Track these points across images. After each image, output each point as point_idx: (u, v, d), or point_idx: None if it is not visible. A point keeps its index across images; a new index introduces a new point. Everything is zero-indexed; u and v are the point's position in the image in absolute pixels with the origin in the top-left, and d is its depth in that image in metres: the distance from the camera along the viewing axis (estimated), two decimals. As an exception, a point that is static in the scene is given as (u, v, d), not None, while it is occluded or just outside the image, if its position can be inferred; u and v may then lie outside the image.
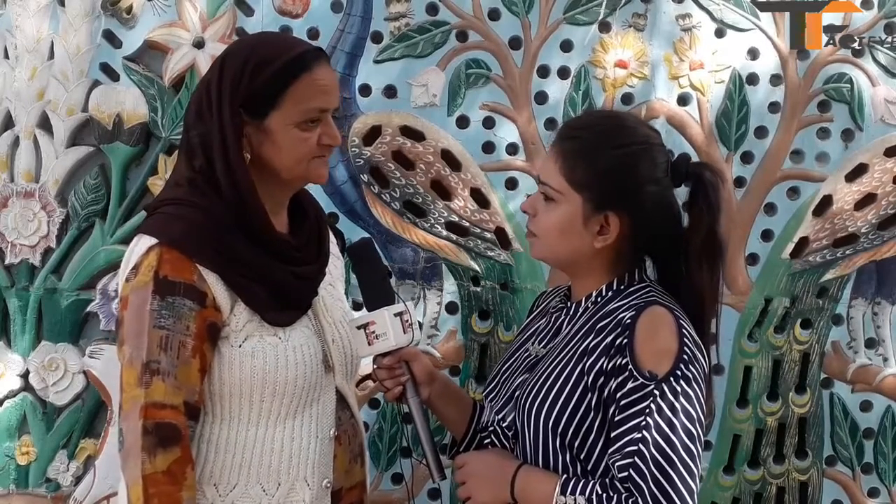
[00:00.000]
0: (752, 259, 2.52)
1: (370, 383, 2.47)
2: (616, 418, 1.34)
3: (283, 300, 1.50)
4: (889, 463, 2.57)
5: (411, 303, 1.58)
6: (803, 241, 2.50)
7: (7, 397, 2.49)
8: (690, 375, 1.34)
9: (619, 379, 1.35)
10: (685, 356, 1.34)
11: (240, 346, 1.46)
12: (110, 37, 2.44)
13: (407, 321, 1.55)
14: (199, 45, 2.41)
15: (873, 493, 2.58)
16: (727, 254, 1.47)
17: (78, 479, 2.48)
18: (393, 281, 2.48)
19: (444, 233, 2.47)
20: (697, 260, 1.43)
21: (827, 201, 2.49)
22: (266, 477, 1.49)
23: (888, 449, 2.57)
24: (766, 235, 2.51)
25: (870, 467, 2.58)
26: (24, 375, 2.49)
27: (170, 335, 1.39)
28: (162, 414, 1.38)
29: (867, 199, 2.49)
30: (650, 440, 1.31)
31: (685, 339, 1.36)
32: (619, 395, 1.34)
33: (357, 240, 1.65)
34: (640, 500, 1.30)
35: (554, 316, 1.55)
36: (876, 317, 2.54)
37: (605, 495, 1.33)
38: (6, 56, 2.45)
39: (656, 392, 1.32)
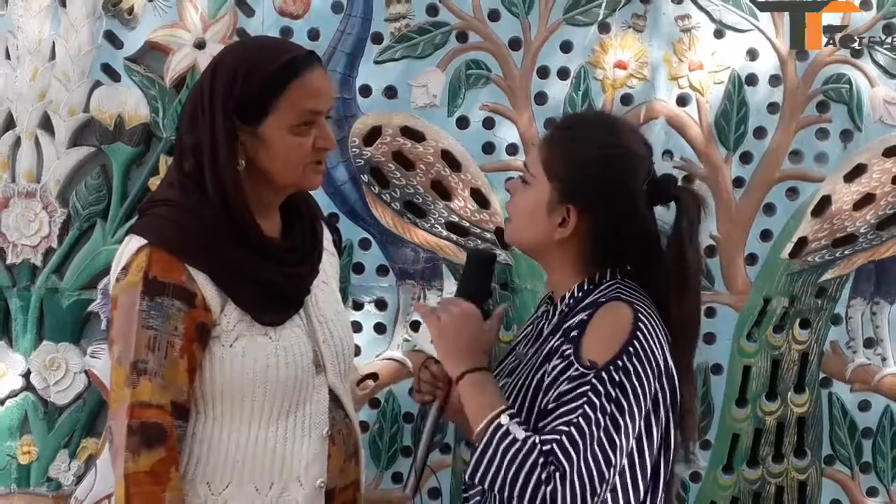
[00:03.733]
0: (752, 259, 2.52)
1: (370, 383, 2.50)
2: (551, 404, 1.34)
3: (274, 300, 1.50)
4: (887, 462, 2.58)
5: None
6: (802, 241, 2.51)
7: (8, 397, 2.50)
8: (631, 368, 1.32)
9: (561, 365, 1.35)
10: (631, 349, 1.33)
11: (231, 346, 1.47)
12: (111, 37, 2.45)
13: None
14: (200, 45, 2.42)
15: (872, 492, 2.58)
16: (696, 284, 1.45)
17: (79, 479, 2.49)
18: (393, 281, 2.49)
19: (445, 233, 2.48)
20: (665, 286, 1.42)
21: (826, 201, 2.50)
22: (259, 476, 1.49)
23: (887, 448, 2.57)
24: (766, 235, 2.52)
25: (868, 466, 2.58)
26: (26, 375, 2.50)
27: (158, 335, 1.40)
28: (148, 414, 1.38)
29: (866, 200, 2.49)
30: (584, 427, 1.30)
31: (638, 334, 1.34)
32: (557, 378, 1.34)
33: (485, 250, 1.63)
34: (558, 476, 1.29)
35: (538, 320, 1.56)
36: (874, 316, 2.54)
37: (538, 448, 1.31)
38: (8, 57, 2.46)
39: (594, 380, 1.31)
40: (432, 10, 2.44)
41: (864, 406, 2.56)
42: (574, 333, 1.36)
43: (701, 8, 2.45)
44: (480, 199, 2.48)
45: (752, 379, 2.54)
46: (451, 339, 1.46)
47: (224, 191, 1.45)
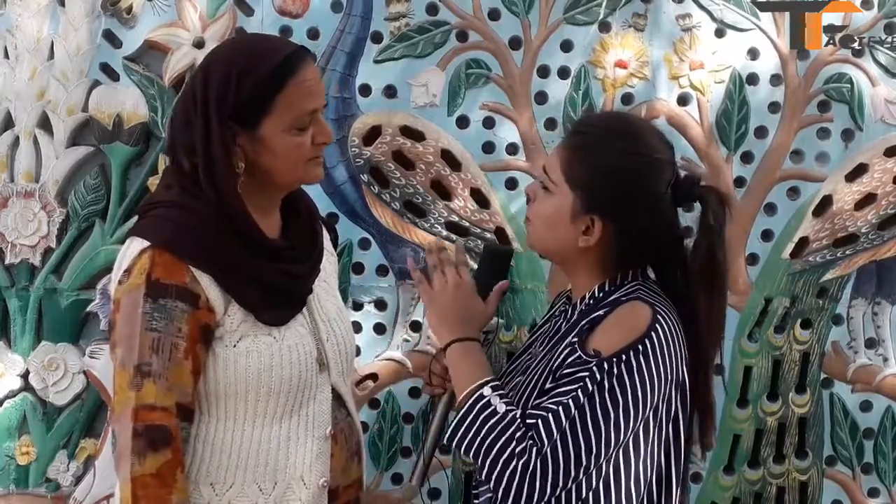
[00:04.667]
0: (752, 259, 2.52)
1: (370, 383, 2.49)
2: (548, 385, 1.35)
3: (277, 299, 1.50)
4: (889, 463, 2.57)
5: (503, 322, 1.59)
6: (803, 241, 2.50)
7: (7, 397, 2.50)
8: (635, 365, 1.32)
9: (564, 353, 1.36)
10: (640, 346, 1.33)
11: (234, 347, 1.46)
12: (110, 37, 2.44)
13: (490, 340, 1.55)
14: (199, 45, 2.41)
15: (873, 493, 2.58)
16: (726, 281, 1.44)
17: (78, 479, 2.48)
18: (393, 281, 2.48)
19: (444, 233, 2.47)
20: (696, 284, 1.41)
21: (827, 201, 2.49)
22: (262, 476, 1.50)
23: (888, 449, 2.57)
24: (767, 235, 2.51)
25: (870, 467, 2.58)
26: (24, 375, 2.50)
27: (161, 337, 1.39)
28: (153, 416, 1.38)
29: (867, 199, 2.49)
30: (570, 407, 1.31)
31: (651, 335, 1.34)
32: (556, 365, 1.36)
33: (502, 246, 1.64)
34: (534, 451, 1.30)
35: (556, 319, 1.55)
36: (876, 317, 2.54)
37: (519, 421, 1.33)
38: (6, 56, 2.45)
39: (594, 368, 1.32)
40: (432, 9, 2.44)
41: (866, 406, 2.56)
42: (587, 325, 1.37)
43: (702, 7, 2.44)
44: (480, 199, 2.47)
45: (754, 379, 2.53)
46: (441, 307, 1.48)
47: (220, 195, 1.44)
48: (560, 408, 1.31)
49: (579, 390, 1.31)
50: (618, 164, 1.40)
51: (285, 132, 1.46)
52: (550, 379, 1.38)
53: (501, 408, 1.35)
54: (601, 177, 1.40)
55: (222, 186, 1.44)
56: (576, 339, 1.36)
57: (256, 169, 1.48)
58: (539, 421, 1.31)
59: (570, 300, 1.55)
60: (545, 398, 1.35)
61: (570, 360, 1.35)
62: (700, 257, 1.41)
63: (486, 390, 1.37)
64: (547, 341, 1.53)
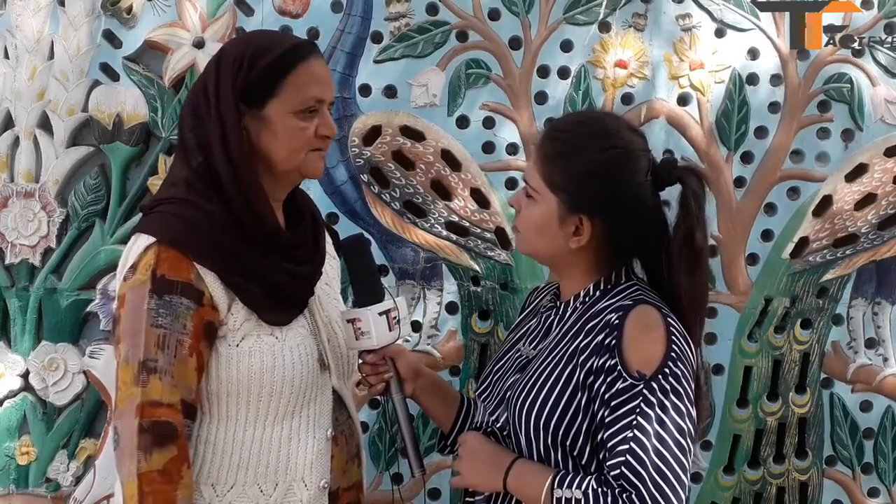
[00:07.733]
0: (752, 259, 2.52)
1: (370, 383, 2.49)
2: (607, 419, 1.35)
3: (280, 299, 1.50)
4: (889, 463, 2.57)
5: (401, 298, 1.59)
6: (803, 241, 2.50)
7: (7, 397, 2.50)
8: (679, 372, 1.35)
9: (608, 379, 1.35)
10: (673, 353, 1.35)
11: (237, 346, 1.47)
12: (110, 37, 2.45)
13: (394, 318, 1.55)
14: (199, 44, 2.41)
15: (873, 493, 2.58)
16: (706, 259, 1.46)
17: (78, 479, 2.48)
18: (393, 281, 2.48)
19: (444, 233, 2.47)
20: (677, 264, 1.43)
21: (827, 201, 2.49)
22: (263, 477, 1.50)
23: (888, 449, 2.57)
24: (766, 235, 2.51)
25: (870, 467, 2.58)
26: (25, 375, 2.50)
27: (167, 334, 1.40)
28: (158, 412, 1.38)
29: (867, 199, 2.49)
30: (642, 439, 1.31)
31: (673, 337, 1.36)
32: (608, 395, 1.35)
33: (349, 236, 1.65)
34: (635, 496, 1.30)
35: (544, 316, 1.55)
36: (876, 317, 2.54)
37: (600, 490, 1.33)
38: (6, 56, 2.45)
39: (645, 391, 1.33)
40: (432, 9, 2.44)
41: (866, 406, 2.56)
42: (612, 341, 1.37)
43: (702, 7, 2.45)
44: (480, 199, 2.47)
45: (754, 379, 2.53)
46: (473, 471, 1.48)
47: (239, 179, 1.45)
48: (632, 444, 1.32)
49: (639, 417, 1.32)
50: (595, 162, 1.42)
51: (290, 115, 1.47)
52: (593, 394, 1.38)
53: (578, 493, 1.34)
54: (581, 177, 1.42)
55: (241, 168, 1.45)
56: (614, 362, 1.35)
57: (258, 153, 1.49)
58: (623, 468, 1.31)
59: (557, 297, 1.55)
60: (607, 434, 1.34)
61: (616, 385, 1.35)
62: (680, 236, 1.42)
63: (557, 492, 1.36)
64: (537, 340, 1.53)
